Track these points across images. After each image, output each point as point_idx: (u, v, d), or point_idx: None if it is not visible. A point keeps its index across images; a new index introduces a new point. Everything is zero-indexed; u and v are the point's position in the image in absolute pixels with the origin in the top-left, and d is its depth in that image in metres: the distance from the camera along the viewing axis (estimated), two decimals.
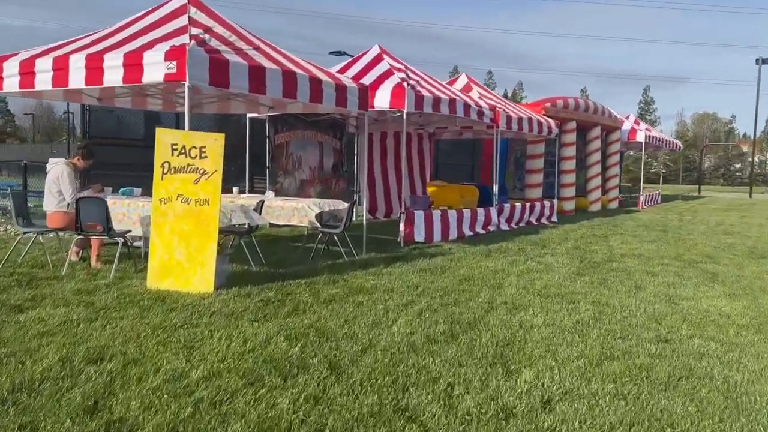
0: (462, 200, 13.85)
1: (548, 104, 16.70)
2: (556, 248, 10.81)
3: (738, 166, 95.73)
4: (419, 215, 10.72)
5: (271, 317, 5.54)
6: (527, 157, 17.02)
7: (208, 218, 6.29)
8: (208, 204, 6.29)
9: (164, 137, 6.33)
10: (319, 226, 8.67)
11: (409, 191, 16.08)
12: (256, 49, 7.71)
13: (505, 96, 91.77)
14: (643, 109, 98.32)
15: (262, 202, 8.18)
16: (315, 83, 8.04)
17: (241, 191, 10.51)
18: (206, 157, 6.29)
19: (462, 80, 14.75)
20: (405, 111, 10.16)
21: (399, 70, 11.21)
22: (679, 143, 28.00)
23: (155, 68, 6.47)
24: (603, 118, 19.86)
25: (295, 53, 8.57)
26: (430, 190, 14.21)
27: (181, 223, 6.32)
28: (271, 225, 9.51)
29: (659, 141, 24.42)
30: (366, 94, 9.19)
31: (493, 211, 12.94)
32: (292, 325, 5.31)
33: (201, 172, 6.30)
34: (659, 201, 26.02)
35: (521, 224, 14.33)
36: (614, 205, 21.79)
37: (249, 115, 12.11)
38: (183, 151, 6.30)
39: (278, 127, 12.63)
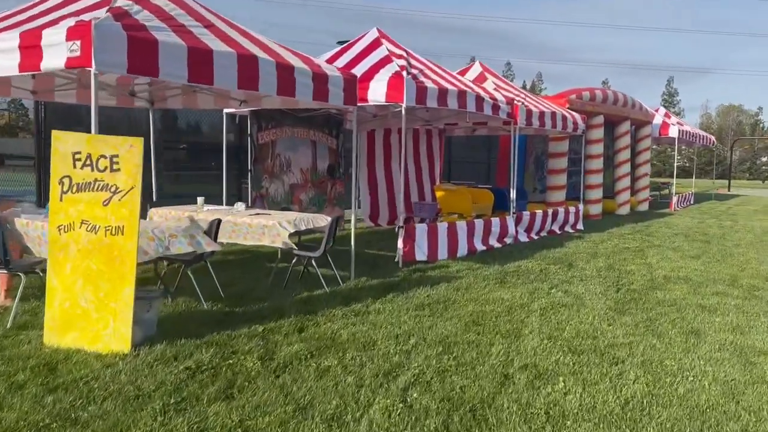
0: (475, 206, 12.14)
1: (573, 96, 14.88)
2: (586, 268, 9.06)
3: (765, 159, 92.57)
4: (421, 230, 9.03)
5: (190, 403, 3.90)
6: (549, 156, 15.23)
7: (123, 253, 4.66)
8: (122, 233, 4.66)
9: (63, 143, 4.69)
10: (294, 248, 7.02)
11: (417, 195, 14.39)
12: (207, 26, 6.06)
13: (524, 88, 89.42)
14: (667, 101, 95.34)
15: (218, 221, 6.54)
16: (284, 71, 6.38)
17: (236, 196, 8.91)
18: (119, 169, 4.65)
19: (475, 69, 13.00)
20: (404, 105, 8.47)
21: (399, 56, 9.50)
22: (713, 138, 25.96)
23: (56, 51, 4.84)
24: (633, 111, 17.98)
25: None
26: (438, 194, 12.52)
27: (86, 260, 4.69)
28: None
29: (692, 136, 22.45)
30: (353, 85, 7.51)
31: (510, 220, 11.20)
32: (212, 423, 3.66)
33: (113, 189, 4.66)
34: (692, 201, 24.05)
35: (542, 234, 12.57)
36: (644, 206, 19.90)
37: (226, 110, 10.48)
38: (88, 161, 4.67)
39: (262, 124, 10.99)
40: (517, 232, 11.54)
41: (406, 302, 6.66)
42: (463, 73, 13.07)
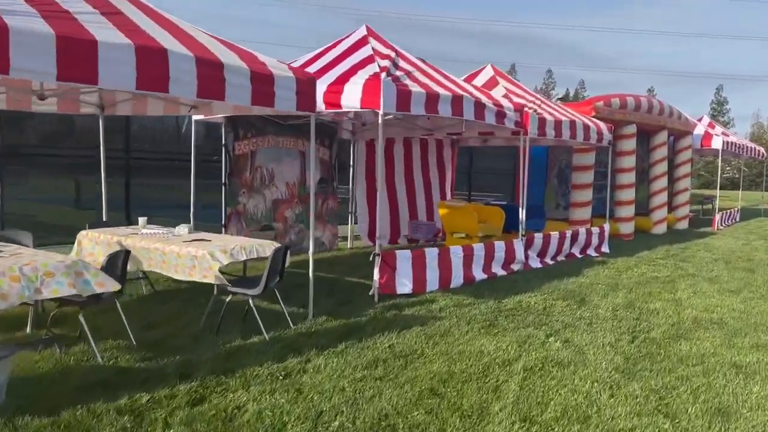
0: (482, 226, 10.75)
1: (600, 103, 13.36)
2: (599, 306, 7.61)
3: None
4: (403, 258, 7.70)
5: None
6: (573, 169, 13.71)
7: None
8: None
9: None
10: (227, 284, 5.78)
11: (425, 212, 13.07)
12: (108, 13, 4.90)
13: (566, 96, 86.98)
14: (716, 110, 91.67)
15: (125, 253, 5.35)
16: (208, 68, 5.17)
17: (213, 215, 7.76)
18: None
19: (486, 73, 11.63)
20: (381, 112, 7.19)
21: (384, 57, 8.23)
22: (762, 150, 23.86)
23: None
24: (671, 120, 16.30)
25: None
26: (441, 212, 11.16)
27: None
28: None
29: (739, 148, 20.50)
30: (311, 87, 6.25)
31: (519, 243, 9.77)
32: None
33: None
34: (738, 219, 22.07)
35: (559, 258, 11.10)
36: (683, 225, 18.12)
37: (195, 118, 9.36)
38: None
39: (239, 132, 9.83)
40: (527, 256, 10.10)
41: (359, 356, 5.36)
42: (472, 77, 11.74)
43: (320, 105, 7.59)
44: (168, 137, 11.97)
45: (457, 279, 8.43)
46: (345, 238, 12.18)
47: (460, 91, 8.44)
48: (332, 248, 11.37)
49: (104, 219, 8.20)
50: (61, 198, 12.32)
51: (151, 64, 4.76)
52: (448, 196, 13.87)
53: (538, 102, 11.00)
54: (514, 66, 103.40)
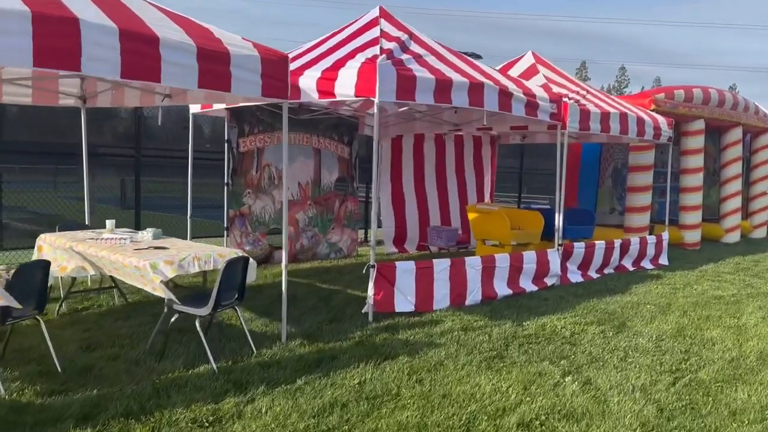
0: (516, 233, 9.53)
1: (661, 95, 11.85)
2: (641, 333, 6.32)
3: None
4: (404, 270, 6.62)
5: None
6: (629, 170, 12.24)
7: None
8: None
9: None
10: (174, 300, 4.88)
11: (460, 216, 11.92)
12: None
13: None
14: None
15: (45, 264, 4.52)
16: (138, 44, 4.27)
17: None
18: None
19: (526, 61, 10.37)
20: (376, 101, 6.15)
21: (392, 39, 7.18)
22: None
23: None
24: (746, 115, 14.50)
25: None
26: (470, 217, 10.00)
27: None
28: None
29: None
30: (280, 69, 5.27)
31: (554, 254, 8.52)
32: None
33: None
34: None
35: (607, 271, 9.74)
36: (761, 233, 16.19)
37: (193, 111, 8.57)
38: None
39: (244, 128, 9.00)
40: (565, 269, 8.83)
41: (316, 396, 4.35)
42: (509, 66, 10.52)
43: (313, 93, 6.64)
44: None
45: (474, 295, 7.29)
46: (364, 243, 11.20)
47: (481, 78, 7.29)
48: (351, 254, 10.40)
49: (87, 222, 7.51)
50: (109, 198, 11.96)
51: (55, 36, 3.90)
52: (486, 199, 12.67)
53: (584, 92, 9.68)
54: (584, 63, 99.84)
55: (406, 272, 6.60)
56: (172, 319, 4.91)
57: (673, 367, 5.31)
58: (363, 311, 6.42)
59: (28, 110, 10.33)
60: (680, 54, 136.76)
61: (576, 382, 4.83)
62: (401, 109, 8.97)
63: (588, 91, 9.86)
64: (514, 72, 10.17)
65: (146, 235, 5.98)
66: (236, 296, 5.06)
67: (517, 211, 10.21)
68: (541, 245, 9.57)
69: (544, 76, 9.73)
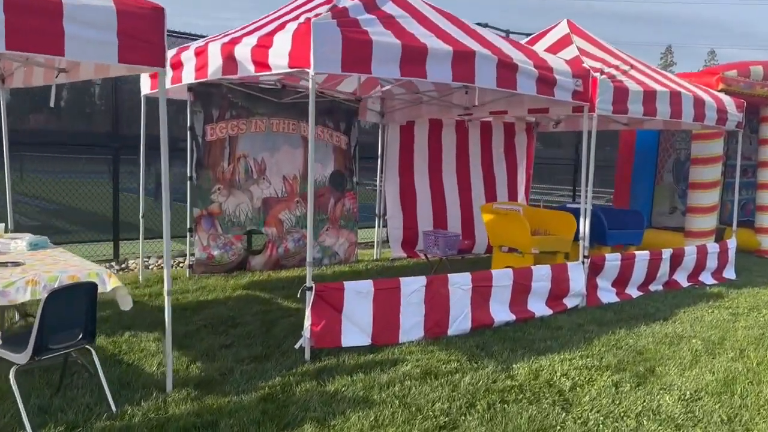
0: (540, 239, 7.85)
1: (732, 72, 9.77)
2: (670, 388, 4.61)
3: None
4: (356, 293, 5.12)
5: None
6: (692, 162, 10.21)
7: None
8: None
9: None
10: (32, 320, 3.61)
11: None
12: None
13: None
14: None
15: None
16: None
17: None
18: None
19: (559, 30, 8.54)
20: (311, 73, 4.68)
21: None
22: None
23: None
24: None
25: None
26: (484, 219, 8.38)
27: None
28: None
29: None
30: (152, 26, 3.86)
31: (577, 268, 6.82)
32: None
33: None
34: None
35: (653, 287, 7.92)
36: None
37: (144, 92, 7.35)
38: None
39: (212, 112, 7.72)
40: (594, 286, 7.11)
41: None
42: (539, 37, 8.75)
43: (249, 65, 5.25)
44: None
45: (460, 323, 5.73)
46: (369, 245, 9.75)
47: (474, 46, 5.70)
48: (349, 260, 8.99)
49: (9, 225, 6.38)
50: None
51: None
52: (520, 197, 10.95)
53: (626, 67, 7.85)
54: (670, 47, 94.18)
55: (358, 295, 5.11)
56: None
57: None
58: (297, 346, 4.97)
59: None
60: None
61: None
62: (400, 93, 7.47)
63: (633, 66, 8.01)
64: (544, 44, 8.41)
65: (21, 243, 4.77)
66: (81, 335, 3.74)
67: (545, 212, 8.51)
68: (574, 253, 7.87)
69: (578, 47, 7.93)
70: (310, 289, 4.84)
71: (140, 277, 7.50)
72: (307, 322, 4.84)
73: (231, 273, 7.88)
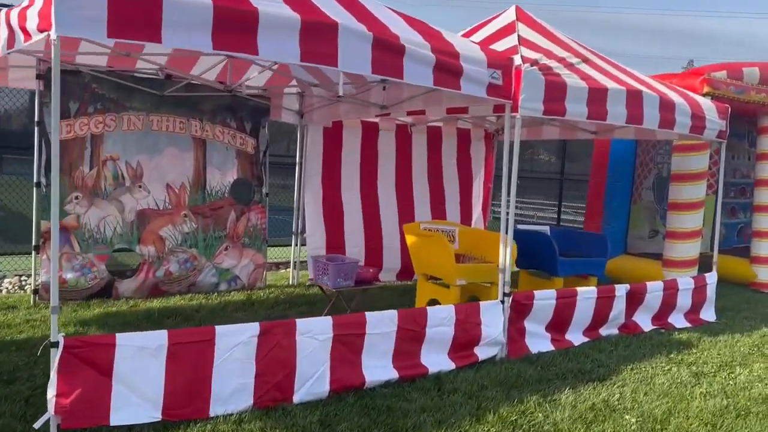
0: (467, 268, 6.37)
1: (720, 73, 8.24)
2: None
3: None
4: (133, 351, 3.65)
5: None
6: (671, 179, 8.67)
7: None
8: None
9: None
10: None
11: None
12: None
13: None
14: None
15: None
16: None
17: None
18: None
19: (505, 18, 7.08)
20: (53, 36, 3.30)
21: None
22: None
23: None
24: None
25: None
26: (408, 241, 6.94)
27: None
28: None
29: None
30: None
31: (494, 309, 5.33)
32: None
33: None
34: None
35: (605, 331, 6.40)
36: None
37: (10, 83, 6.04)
38: None
39: (69, 105, 6.38)
40: (521, 331, 5.61)
41: None
42: (484, 24, 7.30)
43: (21, 36, 3.91)
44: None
45: (312, 385, 4.27)
46: (282, 266, 8.31)
47: (341, 18, 4.28)
48: (254, 285, 7.59)
49: None
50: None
51: None
52: (476, 215, 9.48)
53: (578, 59, 6.37)
54: (691, 62, 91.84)
55: (141, 353, 3.68)
56: None
57: None
58: (37, 426, 3.54)
59: None
60: None
61: None
62: (319, 91, 6.10)
63: (586, 60, 6.53)
64: (486, 32, 6.97)
65: None
66: None
67: (482, 234, 7.06)
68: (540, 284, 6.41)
69: (519, 36, 6.46)
70: (56, 345, 3.43)
71: None
72: (51, 392, 3.42)
73: (89, 300, 6.51)
